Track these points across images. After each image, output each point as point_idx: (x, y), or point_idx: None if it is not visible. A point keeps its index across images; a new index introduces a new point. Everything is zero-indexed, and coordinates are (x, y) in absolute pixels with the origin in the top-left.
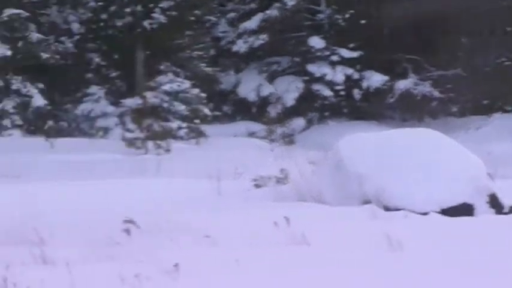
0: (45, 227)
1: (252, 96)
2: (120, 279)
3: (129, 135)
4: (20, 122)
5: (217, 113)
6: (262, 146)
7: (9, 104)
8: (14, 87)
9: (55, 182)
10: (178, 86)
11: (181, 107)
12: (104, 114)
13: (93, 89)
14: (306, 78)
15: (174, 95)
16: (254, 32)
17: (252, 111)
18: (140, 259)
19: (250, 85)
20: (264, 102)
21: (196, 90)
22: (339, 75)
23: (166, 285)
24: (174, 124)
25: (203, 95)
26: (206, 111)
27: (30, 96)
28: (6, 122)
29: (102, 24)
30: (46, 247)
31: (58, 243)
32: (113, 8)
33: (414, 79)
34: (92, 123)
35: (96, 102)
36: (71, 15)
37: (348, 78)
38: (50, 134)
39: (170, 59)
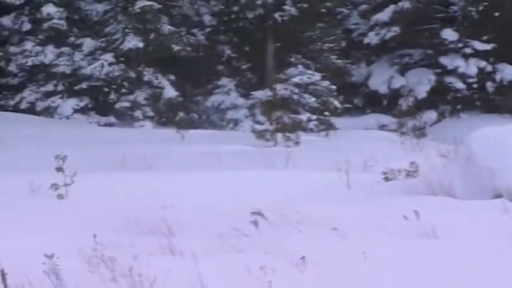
0: (174, 218)
1: (383, 89)
2: (246, 271)
3: (258, 127)
4: (151, 114)
5: (347, 105)
6: (393, 139)
7: (141, 96)
8: (145, 78)
9: (185, 173)
10: (309, 78)
11: (311, 99)
12: (234, 106)
13: (224, 81)
14: (438, 70)
15: (304, 87)
16: (386, 24)
17: (383, 103)
18: (267, 251)
19: (381, 77)
20: (395, 94)
21: (326, 83)
22: (471, 67)
23: (292, 277)
24: (304, 116)
25: (333, 87)
26: (336, 103)
27: (162, 88)
28: (138, 113)
29: (233, 16)
30: (174, 238)
31: (186, 234)
32: (244, 0)
33: None
34: (222, 115)
35: (226, 94)
36: (203, 7)
37: (481, 70)
38: (180, 125)
39: (300, 51)
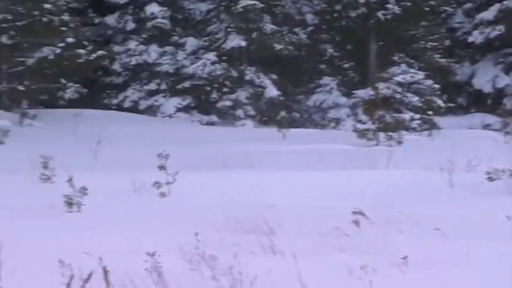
0: (275, 217)
1: (487, 88)
2: (347, 270)
3: (360, 126)
4: (252, 113)
5: (451, 104)
6: (497, 139)
7: (242, 95)
8: (247, 77)
9: (286, 172)
10: (412, 77)
11: (414, 98)
12: (336, 105)
13: (326, 80)
14: None
15: (407, 86)
16: (491, 23)
17: (487, 103)
18: (368, 251)
19: (485, 77)
20: (499, 94)
21: (429, 82)
22: None
23: (394, 277)
24: (407, 115)
25: (437, 86)
26: (440, 102)
27: (264, 87)
28: (240, 112)
29: (335, 15)
30: (275, 237)
31: (287, 233)
32: None
33: None
34: (323, 114)
35: (328, 93)
36: (305, 6)
37: None
38: (282, 124)
39: (404, 49)
